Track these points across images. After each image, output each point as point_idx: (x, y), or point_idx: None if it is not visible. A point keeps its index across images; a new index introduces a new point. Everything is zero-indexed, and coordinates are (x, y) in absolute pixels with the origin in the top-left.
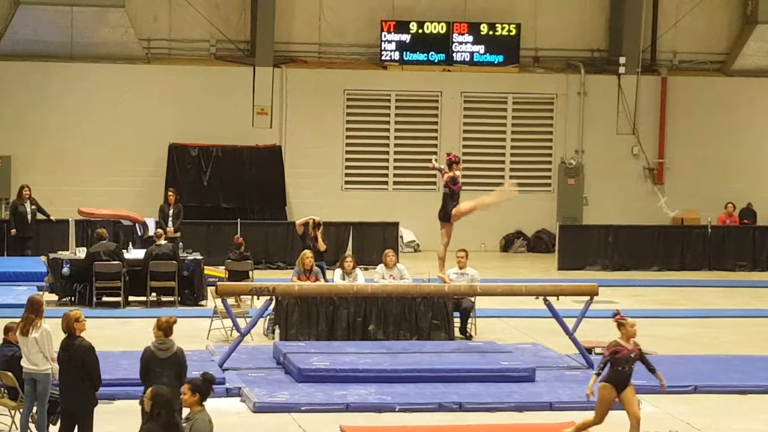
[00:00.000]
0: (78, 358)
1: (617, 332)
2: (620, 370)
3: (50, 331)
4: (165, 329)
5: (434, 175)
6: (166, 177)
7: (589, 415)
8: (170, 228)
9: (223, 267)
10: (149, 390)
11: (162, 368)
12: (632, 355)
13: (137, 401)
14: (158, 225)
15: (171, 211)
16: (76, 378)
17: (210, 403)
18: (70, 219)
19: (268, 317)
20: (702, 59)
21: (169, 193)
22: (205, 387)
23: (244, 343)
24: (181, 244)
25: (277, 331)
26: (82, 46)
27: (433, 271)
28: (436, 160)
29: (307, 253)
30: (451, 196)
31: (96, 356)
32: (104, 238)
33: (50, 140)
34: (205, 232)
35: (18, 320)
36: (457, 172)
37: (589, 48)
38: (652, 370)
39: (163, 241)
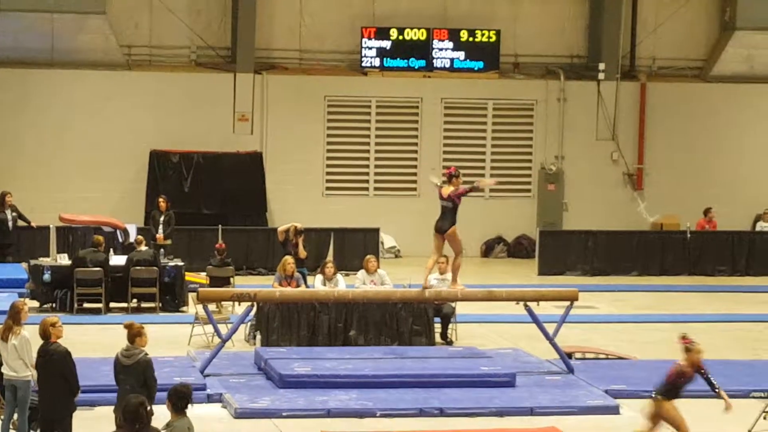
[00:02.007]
0: (54, 363)
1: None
2: (680, 391)
3: (29, 337)
4: (128, 336)
5: (415, 181)
6: (147, 183)
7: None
8: (160, 235)
9: (205, 273)
10: (124, 400)
11: (125, 375)
12: (691, 379)
13: (110, 408)
14: (139, 231)
15: (162, 218)
16: (53, 383)
17: (191, 410)
18: (50, 225)
19: (249, 323)
20: (681, 65)
21: (160, 200)
22: (174, 398)
23: (225, 349)
24: (162, 250)
25: (259, 337)
26: (62, 53)
27: (413, 277)
28: (434, 176)
29: (289, 259)
30: (453, 211)
31: (72, 361)
32: (99, 245)
33: (31, 146)
34: (187, 239)
35: None
36: (452, 188)
37: (569, 54)
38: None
39: (143, 248)
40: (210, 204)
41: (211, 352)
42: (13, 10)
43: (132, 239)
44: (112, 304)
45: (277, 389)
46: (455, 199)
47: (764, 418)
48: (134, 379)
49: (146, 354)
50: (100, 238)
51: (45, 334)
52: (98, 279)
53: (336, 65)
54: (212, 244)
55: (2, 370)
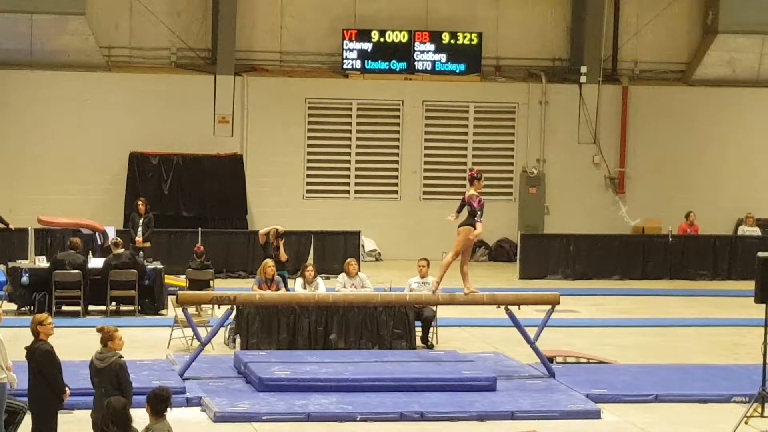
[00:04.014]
0: (36, 361)
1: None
2: None
3: (2, 340)
4: (102, 340)
5: (396, 184)
6: (127, 185)
7: None
8: (139, 237)
9: (184, 276)
10: (106, 402)
11: (99, 378)
12: None
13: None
14: (118, 234)
15: (141, 221)
16: (35, 382)
17: (170, 413)
18: (29, 228)
19: (229, 326)
20: (663, 69)
21: (139, 203)
22: (154, 401)
23: (204, 352)
24: (141, 253)
25: (238, 340)
26: (41, 54)
27: (393, 280)
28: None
29: (269, 261)
30: (472, 214)
31: (53, 360)
32: (77, 248)
33: (9, 148)
34: (166, 241)
35: None
36: (472, 191)
37: (551, 57)
38: None
39: (122, 250)
40: (190, 206)
41: (190, 355)
42: None
43: (111, 241)
44: (91, 307)
45: (257, 393)
46: (472, 203)
47: (746, 422)
48: (108, 382)
49: (120, 356)
50: (79, 240)
51: (34, 332)
52: (77, 281)
53: (317, 67)
54: (192, 247)
55: None
